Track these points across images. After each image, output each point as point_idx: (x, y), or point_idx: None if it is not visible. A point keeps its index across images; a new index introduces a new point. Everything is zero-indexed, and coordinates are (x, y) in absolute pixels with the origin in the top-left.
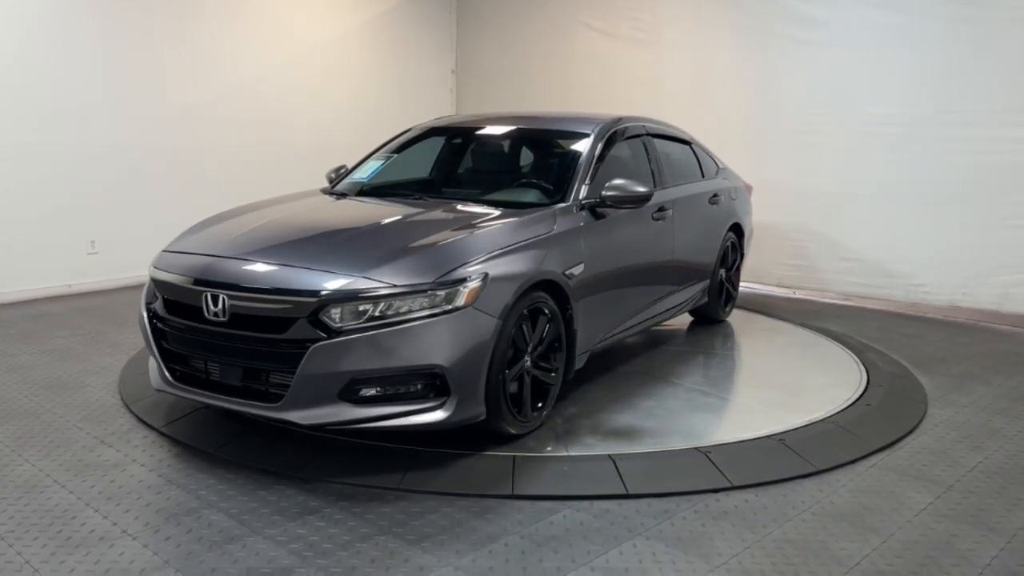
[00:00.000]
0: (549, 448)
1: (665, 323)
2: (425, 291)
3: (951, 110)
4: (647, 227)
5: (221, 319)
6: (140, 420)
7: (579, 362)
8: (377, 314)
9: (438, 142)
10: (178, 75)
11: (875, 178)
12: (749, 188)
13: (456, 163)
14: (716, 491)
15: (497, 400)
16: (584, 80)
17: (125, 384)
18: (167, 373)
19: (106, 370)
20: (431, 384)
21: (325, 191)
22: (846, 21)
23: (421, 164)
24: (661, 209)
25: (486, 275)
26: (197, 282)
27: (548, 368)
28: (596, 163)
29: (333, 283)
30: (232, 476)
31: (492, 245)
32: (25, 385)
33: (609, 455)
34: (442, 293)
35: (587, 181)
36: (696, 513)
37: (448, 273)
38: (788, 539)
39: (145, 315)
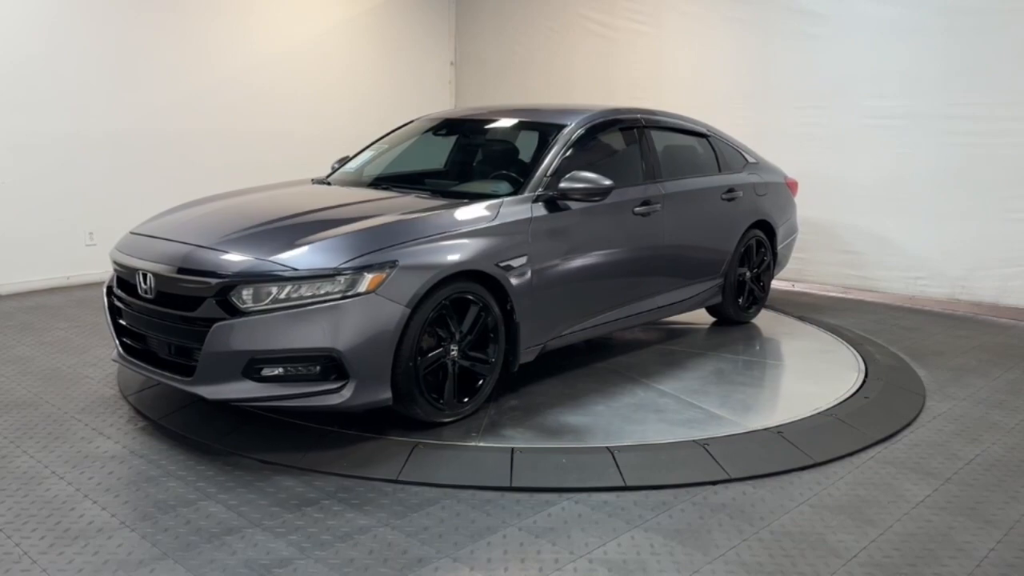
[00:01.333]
0: (474, 434)
1: (683, 322)
2: (326, 276)
3: (952, 103)
4: (626, 221)
5: (149, 296)
6: (138, 412)
7: (527, 356)
8: (283, 297)
9: (435, 134)
10: (176, 65)
11: (875, 170)
12: (792, 184)
13: (444, 155)
14: (714, 483)
15: (409, 387)
16: (585, 72)
17: (123, 376)
18: (119, 346)
19: (104, 362)
20: (329, 367)
21: (316, 180)
22: (847, 13)
23: (415, 155)
24: (646, 203)
25: (395, 263)
26: (132, 260)
27: (482, 359)
28: (564, 155)
29: (237, 266)
30: (230, 468)
31: (412, 234)
32: (24, 376)
33: (608, 447)
34: (343, 279)
35: (549, 173)
36: (694, 505)
37: (353, 260)
38: (786, 531)
39: (104, 291)
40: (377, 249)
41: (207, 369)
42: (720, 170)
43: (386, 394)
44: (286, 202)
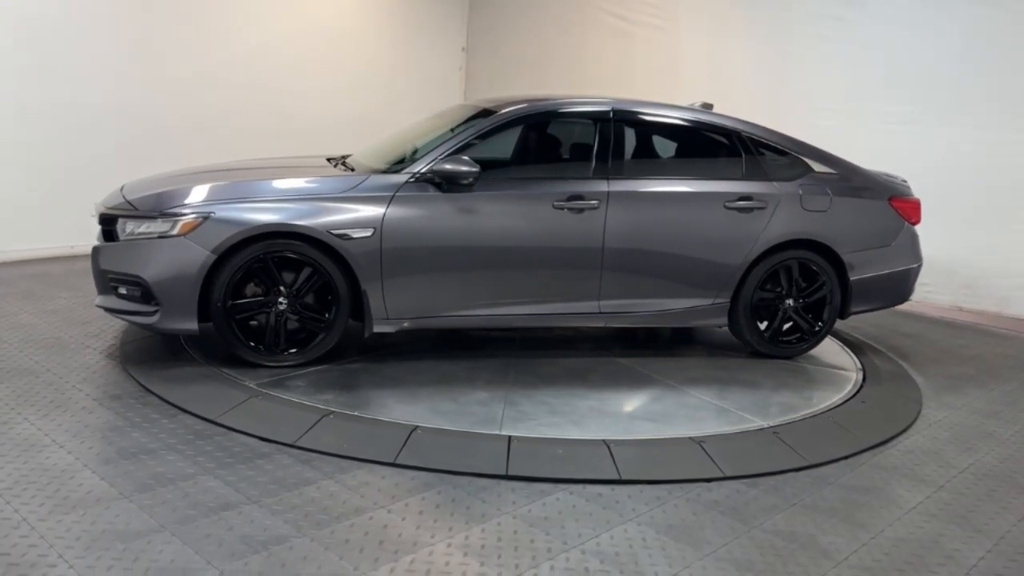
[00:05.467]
0: (264, 382)
1: (718, 343)
2: (152, 218)
3: (964, 111)
4: (539, 214)
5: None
6: (140, 384)
7: (385, 327)
8: (139, 231)
9: (438, 126)
10: (188, 40)
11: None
12: (906, 206)
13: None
14: (708, 480)
15: (220, 325)
16: (599, 65)
17: (126, 347)
18: None
19: (107, 332)
20: (147, 292)
21: (331, 158)
22: (863, 16)
23: (416, 144)
24: (576, 198)
25: (209, 214)
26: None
27: (316, 318)
28: (467, 142)
29: (111, 202)
30: (230, 444)
31: (242, 194)
32: (26, 344)
33: (604, 440)
34: (162, 221)
35: (442, 156)
36: (688, 501)
37: (176, 207)
38: (778, 531)
39: None
40: (201, 202)
41: (97, 282)
42: (745, 175)
43: (191, 325)
44: (232, 166)
